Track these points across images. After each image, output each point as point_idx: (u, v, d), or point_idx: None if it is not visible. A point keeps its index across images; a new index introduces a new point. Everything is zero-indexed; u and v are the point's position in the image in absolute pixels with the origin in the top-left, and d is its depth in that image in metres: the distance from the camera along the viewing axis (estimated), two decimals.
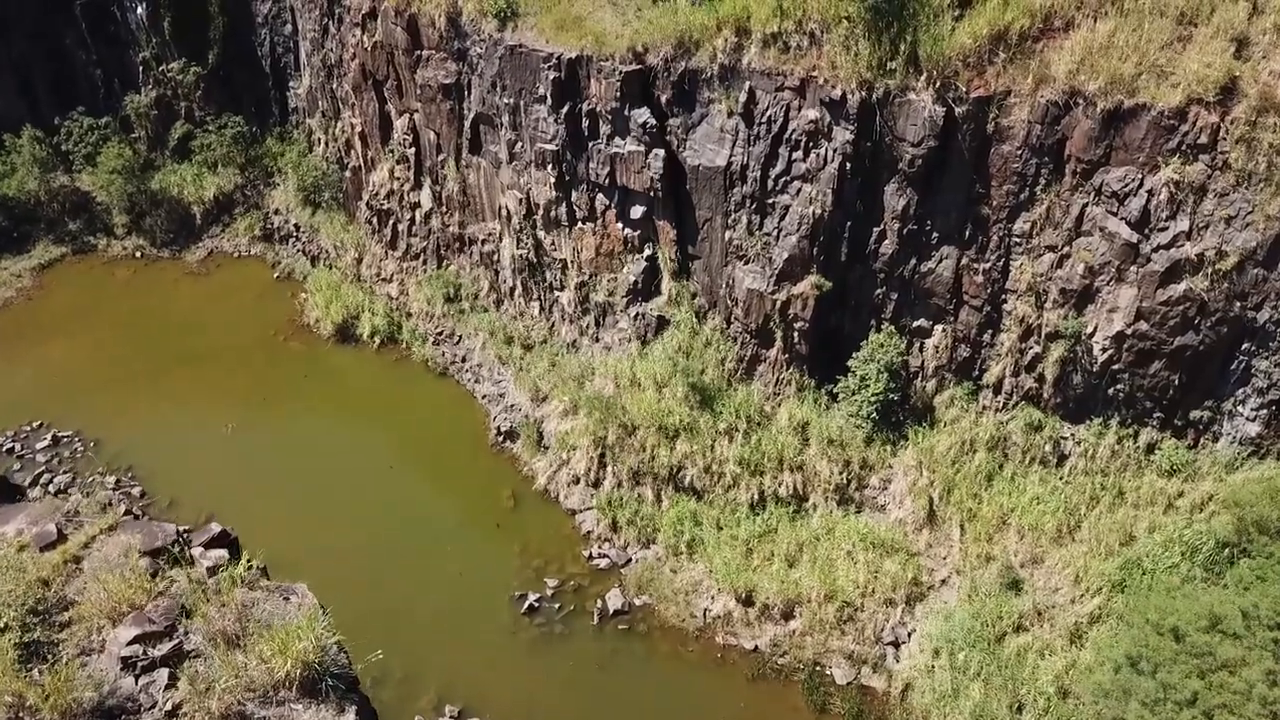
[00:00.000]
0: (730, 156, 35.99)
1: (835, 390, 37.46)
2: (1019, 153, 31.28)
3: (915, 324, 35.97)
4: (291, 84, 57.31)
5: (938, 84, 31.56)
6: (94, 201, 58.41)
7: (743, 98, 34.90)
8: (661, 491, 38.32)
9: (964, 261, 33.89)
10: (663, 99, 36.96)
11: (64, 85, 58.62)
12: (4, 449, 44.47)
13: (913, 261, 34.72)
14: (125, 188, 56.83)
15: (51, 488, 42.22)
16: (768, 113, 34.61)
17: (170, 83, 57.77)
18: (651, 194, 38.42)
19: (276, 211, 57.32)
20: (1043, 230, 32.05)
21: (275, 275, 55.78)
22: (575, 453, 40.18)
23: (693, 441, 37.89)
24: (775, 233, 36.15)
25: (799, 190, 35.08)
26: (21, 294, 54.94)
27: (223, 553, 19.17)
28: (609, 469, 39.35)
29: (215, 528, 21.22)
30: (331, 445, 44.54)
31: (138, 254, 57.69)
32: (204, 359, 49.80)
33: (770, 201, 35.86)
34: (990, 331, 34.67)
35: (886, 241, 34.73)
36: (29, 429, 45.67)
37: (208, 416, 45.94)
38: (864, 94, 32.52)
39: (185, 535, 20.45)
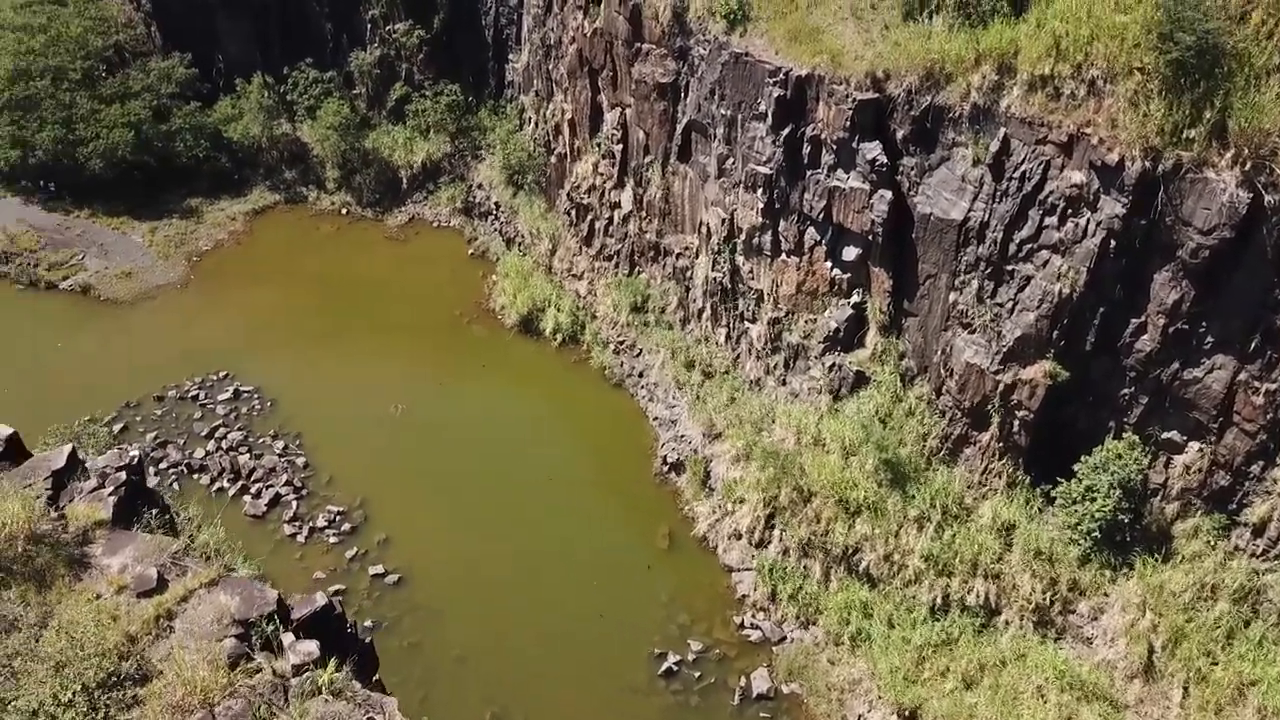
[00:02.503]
0: (969, 210, 31.04)
1: (1053, 493, 32.13)
2: None
3: (1164, 435, 30.10)
4: (511, 57, 55.70)
5: (1246, 164, 25.53)
6: (310, 153, 59.12)
7: (994, 146, 29.82)
8: (831, 570, 34.30)
9: (1242, 376, 27.79)
10: (898, 135, 32.31)
11: (296, 36, 59.32)
12: (190, 395, 45.28)
13: (1175, 365, 28.87)
14: (339, 144, 57.12)
15: (225, 444, 42.64)
16: (1022, 167, 29.42)
17: (394, 44, 57.37)
18: (870, 237, 33.96)
19: (479, 186, 56.14)
20: None
21: (470, 252, 54.71)
22: (742, 506, 36.69)
23: (876, 523, 33.55)
24: (1010, 305, 31.02)
25: (1046, 261, 29.79)
26: (232, 237, 56.29)
27: (313, 648, 16.88)
28: (776, 532, 35.67)
29: (319, 600, 19.10)
30: (495, 444, 42.92)
31: (343, 211, 58.06)
32: (388, 330, 49.30)
33: (1009, 268, 30.73)
34: (1261, 463, 28.44)
35: (1145, 337, 29.00)
36: (215, 378, 46.38)
37: (381, 392, 45.25)
38: (1147, 163, 26.84)
39: (285, 604, 18.47)
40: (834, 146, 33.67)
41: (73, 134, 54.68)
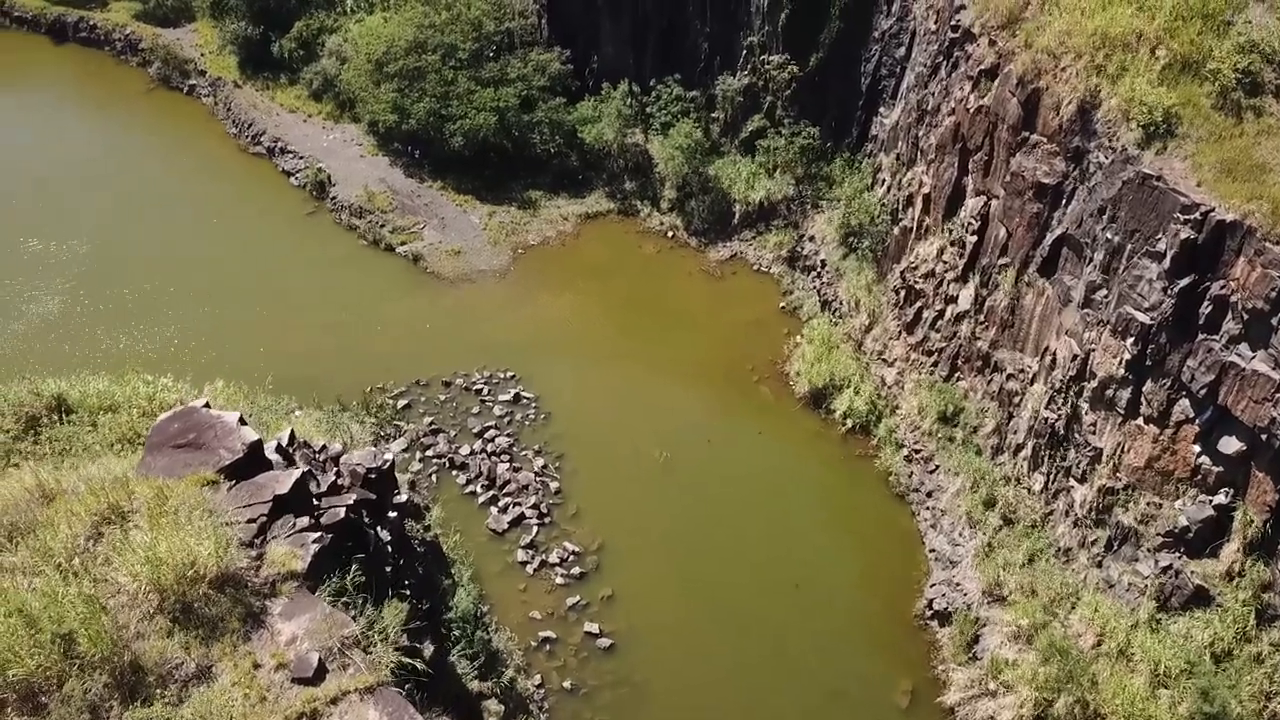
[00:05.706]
0: None
1: None
2: None
3: None
4: (881, 112, 51.56)
5: None
6: (653, 168, 58.28)
7: None
8: None
9: None
10: None
11: (671, 51, 58.61)
12: (474, 388, 45.58)
13: None
14: (683, 166, 55.76)
15: (490, 448, 42.39)
16: None
17: (765, 75, 55.00)
18: (1264, 435, 26.91)
19: (810, 238, 52.69)
20: None
21: (780, 305, 51.41)
22: (1007, 694, 30.89)
23: None
24: None
25: None
26: (560, 236, 56.62)
27: None
28: None
29: None
30: (750, 525, 39.53)
31: (669, 233, 56.71)
32: (678, 368, 47.24)
33: None
34: None
35: None
36: (501, 376, 46.42)
37: (651, 432, 43.26)
38: None
39: None
40: (1244, 315, 26.91)
41: (445, 109, 57.32)
